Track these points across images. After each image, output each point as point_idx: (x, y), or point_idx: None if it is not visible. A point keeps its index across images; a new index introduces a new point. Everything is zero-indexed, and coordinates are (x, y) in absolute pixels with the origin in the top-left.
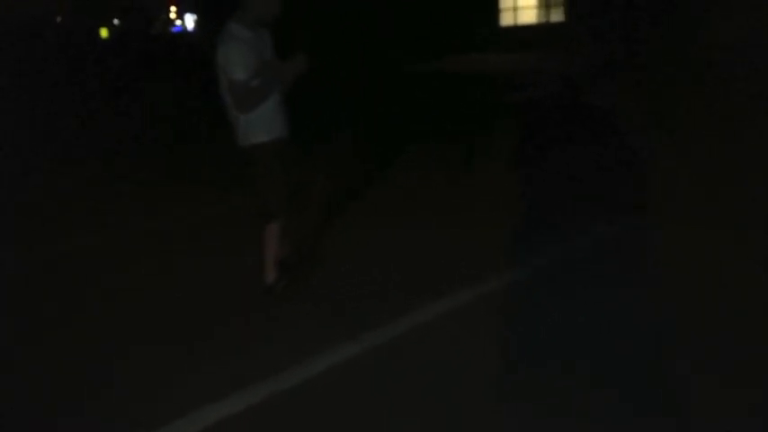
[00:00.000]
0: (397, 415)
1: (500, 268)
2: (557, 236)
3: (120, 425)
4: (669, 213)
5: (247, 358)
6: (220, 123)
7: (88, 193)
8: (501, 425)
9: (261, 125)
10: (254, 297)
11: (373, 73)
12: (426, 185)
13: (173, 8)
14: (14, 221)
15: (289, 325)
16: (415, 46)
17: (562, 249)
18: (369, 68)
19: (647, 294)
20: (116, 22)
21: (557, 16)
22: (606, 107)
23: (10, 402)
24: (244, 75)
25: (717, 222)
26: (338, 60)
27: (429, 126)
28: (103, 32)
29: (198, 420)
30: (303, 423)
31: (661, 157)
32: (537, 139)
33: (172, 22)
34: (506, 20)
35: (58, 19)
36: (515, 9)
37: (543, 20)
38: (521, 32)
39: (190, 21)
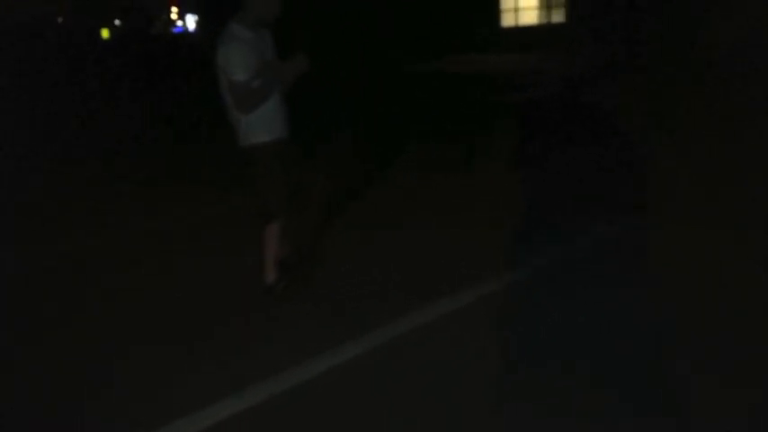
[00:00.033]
0: (397, 415)
1: (500, 268)
2: (557, 236)
3: (120, 425)
4: (669, 213)
5: (247, 358)
6: (221, 123)
7: (88, 193)
8: (501, 425)
9: (261, 125)
10: (254, 297)
11: (373, 73)
12: (426, 185)
13: (174, 9)
14: (14, 221)
15: (288, 325)
16: (416, 46)
17: (562, 249)
18: (369, 68)
19: (647, 294)
20: (117, 22)
21: (558, 17)
22: (607, 107)
23: (10, 402)
24: (244, 75)
25: (717, 222)
26: (338, 60)
27: (429, 126)
28: (105, 33)
29: (198, 421)
30: (303, 424)
31: (661, 157)
32: (537, 140)
33: (173, 22)
34: (507, 21)
35: (60, 20)
36: (516, 10)
37: (544, 21)
38: (522, 33)
39: (191, 21)
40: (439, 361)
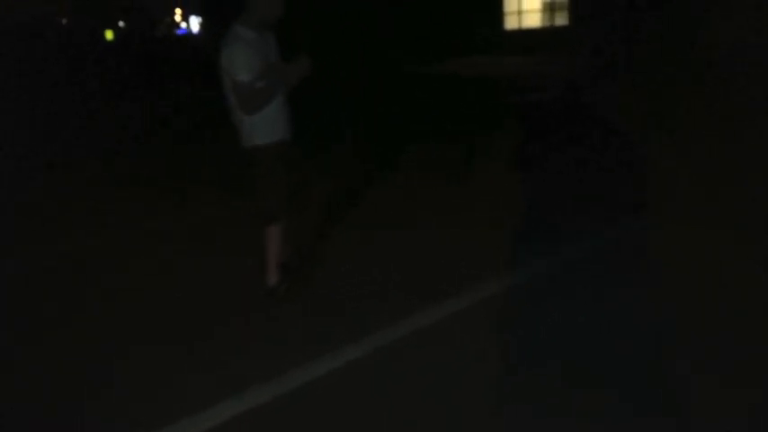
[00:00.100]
0: (396, 417)
1: (500, 268)
2: (557, 236)
3: (120, 425)
4: (669, 213)
5: (248, 359)
6: (222, 124)
7: (88, 193)
8: (501, 426)
9: (264, 126)
10: (255, 297)
11: (374, 74)
12: (426, 185)
13: (177, 10)
14: (14, 221)
15: (289, 326)
16: (419, 48)
17: (562, 249)
18: (370, 69)
19: (647, 294)
20: (121, 24)
21: (561, 20)
22: (607, 108)
23: (10, 402)
24: (248, 76)
25: (717, 222)
26: (340, 61)
27: (429, 126)
28: (108, 34)
29: (199, 422)
30: (304, 425)
31: (661, 157)
32: (537, 140)
33: (177, 24)
34: (510, 23)
35: (64, 21)
36: (520, 13)
37: (547, 23)
38: (525, 36)
39: (195, 23)
40: (439, 363)
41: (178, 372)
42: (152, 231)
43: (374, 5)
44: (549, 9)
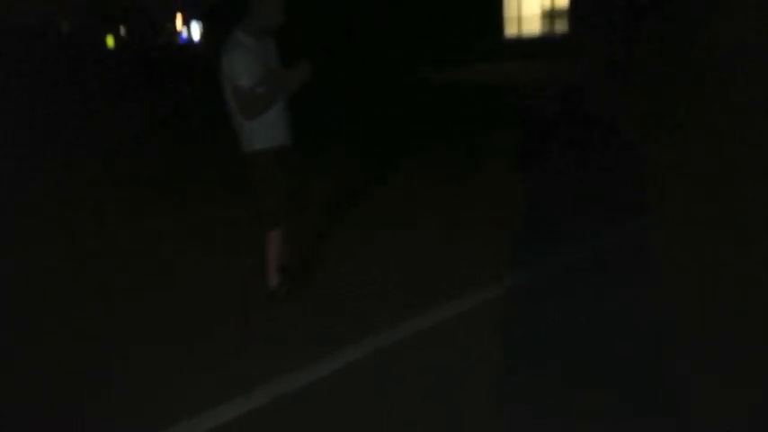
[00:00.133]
0: (396, 417)
1: (499, 268)
2: (557, 236)
3: (120, 425)
4: (669, 213)
5: (248, 359)
6: (223, 124)
7: (88, 193)
8: (501, 426)
9: (264, 132)
10: (255, 297)
11: (373, 77)
12: (427, 186)
13: (179, 16)
14: (14, 222)
15: (289, 326)
16: (419, 55)
17: (562, 250)
18: (369, 73)
19: (647, 294)
20: (123, 31)
21: (561, 26)
22: (608, 110)
23: (10, 402)
24: (248, 82)
25: (717, 222)
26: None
27: (430, 128)
28: (109, 41)
29: (199, 424)
30: (305, 426)
31: (661, 157)
32: (537, 142)
33: (179, 32)
34: (510, 30)
35: (65, 26)
36: (519, 19)
37: (547, 30)
38: (525, 43)
39: (195, 30)
40: (439, 364)
41: (178, 372)
42: (152, 231)
43: (376, 11)
44: (549, 16)
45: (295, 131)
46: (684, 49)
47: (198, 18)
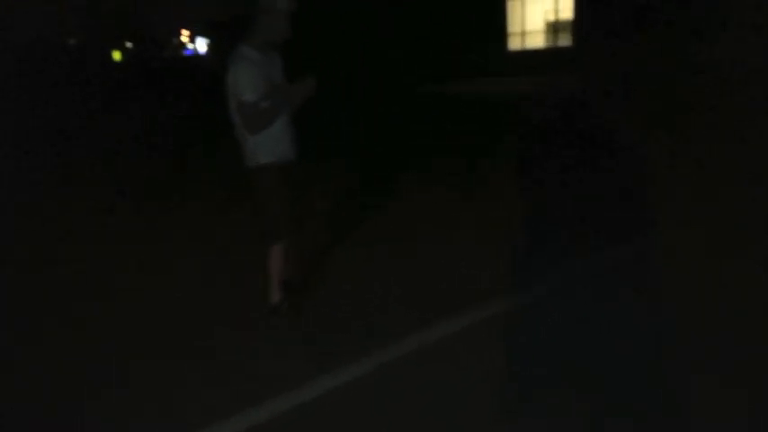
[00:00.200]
0: None
1: (501, 283)
2: (557, 250)
3: (120, 425)
4: (669, 214)
5: (248, 376)
6: (225, 131)
7: (88, 193)
8: (501, 425)
9: (268, 146)
10: (254, 299)
11: (378, 93)
12: (428, 201)
13: (185, 31)
14: (14, 221)
15: (290, 342)
16: (423, 69)
17: (563, 263)
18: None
19: (647, 294)
20: (129, 45)
21: (564, 41)
22: (609, 120)
23: (10, 402)
24: (253, 95)
25: (717, 222)
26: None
27: (432, 144)
28: (116, 55)
29: (198, 426)
30: None
31: (661, 158)
32: (539, 155)
33: (184, 45)
34: (514, 44)
35: (71, 41)
36: (523, 34)
37: (551, 44)
38: (528, 57)
39: (201, 44)
40: (438, 381)
41: (178, 372)
42: (152, 231)
43: (382, 29)
44: (553, 30)
45: (301, 149)
46: (686, 61)
47: (203, 34)
